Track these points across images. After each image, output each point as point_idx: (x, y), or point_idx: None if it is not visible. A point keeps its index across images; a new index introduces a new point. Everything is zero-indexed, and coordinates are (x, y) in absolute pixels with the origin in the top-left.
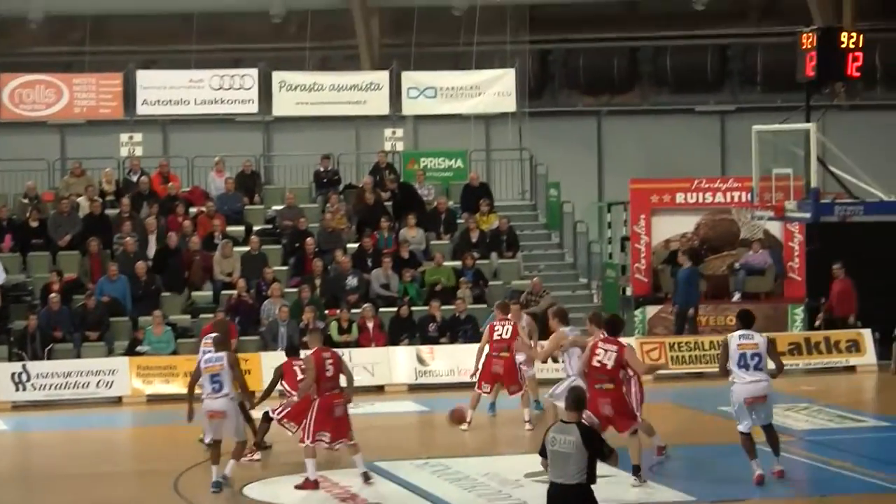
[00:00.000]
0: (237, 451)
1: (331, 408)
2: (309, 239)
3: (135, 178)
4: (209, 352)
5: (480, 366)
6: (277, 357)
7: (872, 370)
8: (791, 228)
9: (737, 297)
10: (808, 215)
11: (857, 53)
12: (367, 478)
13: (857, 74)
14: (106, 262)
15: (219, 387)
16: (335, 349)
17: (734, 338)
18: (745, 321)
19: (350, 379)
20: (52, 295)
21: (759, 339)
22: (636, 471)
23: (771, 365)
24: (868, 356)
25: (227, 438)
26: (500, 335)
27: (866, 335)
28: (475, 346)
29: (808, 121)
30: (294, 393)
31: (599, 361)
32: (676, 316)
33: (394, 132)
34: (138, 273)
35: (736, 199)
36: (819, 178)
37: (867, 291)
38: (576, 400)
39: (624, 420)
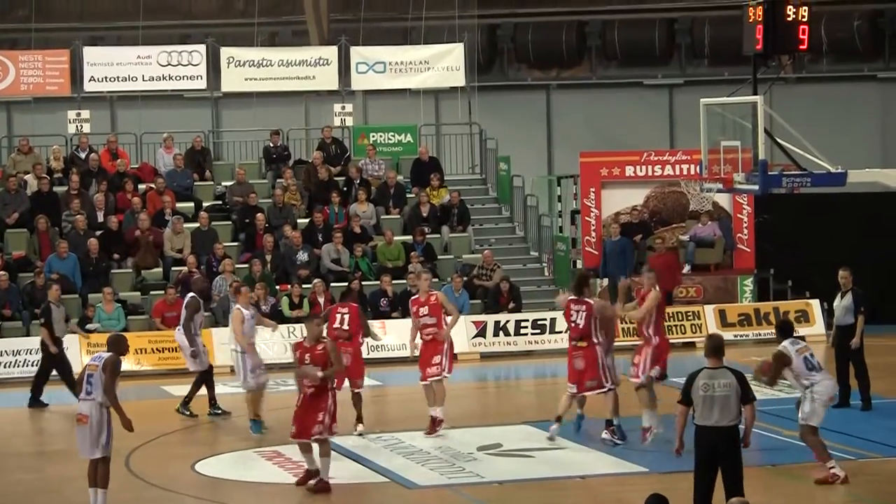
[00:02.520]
0: (101, 472)
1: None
2: (259, 214)
3: (83, 155)
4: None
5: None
6: (228, 332)
7: (821, 340)
8: (740, 200)
9: (687, 269)
10: (756, 187)
11: (803, 26)
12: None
13: (804, 47)
14: (55, 239)
15: (90, 388)
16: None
17: (790, 349)
18: (788, 331)
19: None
20: (1, 273)
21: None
22: (608, 424)
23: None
24: (817, 326)
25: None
26: (576, 321)
27: (815, 305)
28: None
29: (755, 93)
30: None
31: (573, 321)
32: (611, 288)
33: (343, 107)
34: (90, 250)
35: (685, 172)
36: (767, 150)
37: (817, 262)
38: (716, 347)
39: (591, 375)
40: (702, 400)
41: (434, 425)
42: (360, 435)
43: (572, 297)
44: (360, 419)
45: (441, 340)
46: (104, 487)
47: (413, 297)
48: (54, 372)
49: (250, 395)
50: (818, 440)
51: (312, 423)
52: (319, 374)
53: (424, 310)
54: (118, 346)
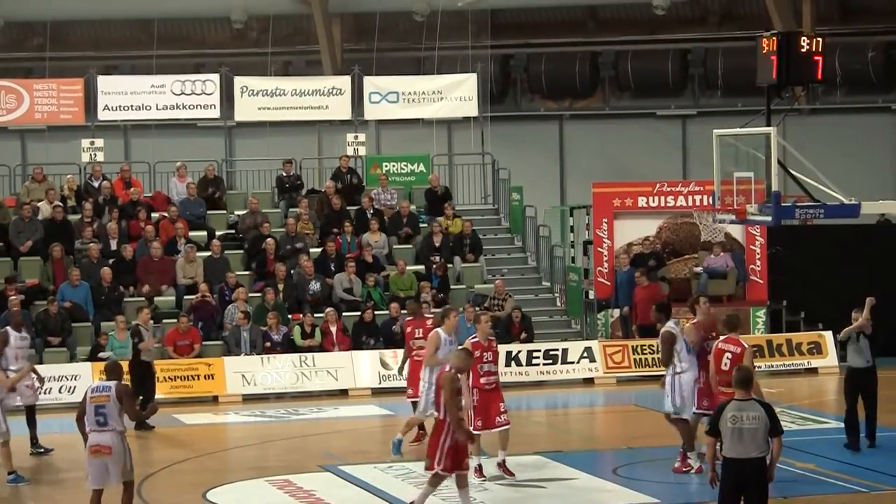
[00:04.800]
0: (125, 498)
1: None
2: (269, 240)
3: (96, 184)
4: None
5: None
6: (240, 361)
7: (834, 372)
8: (753, 232)
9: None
10: (769, 218)
11: (817, 57)
12: None
13: (819, 78)
14: (69, 267)
15: (103, 420)
16: None
17: (674, 328)
18: (668, 312)
19: None
20: (12, 298)
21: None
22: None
23: None
24: (830, 358)
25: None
26: (726, 366)
27: (828, 337)
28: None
29: (768, 125)
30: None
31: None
32: (622, 319)
33: (356, 137)
34: (103, 278)
35: (697, 203)
36: (780, 182)
37: (829, 294)
38: (744, 379)
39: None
40: (730, 432)
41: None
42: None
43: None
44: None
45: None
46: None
47: (474, 340)
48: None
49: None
50: (690, 429)
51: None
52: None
53: (488, 355)
54: (120, 373)
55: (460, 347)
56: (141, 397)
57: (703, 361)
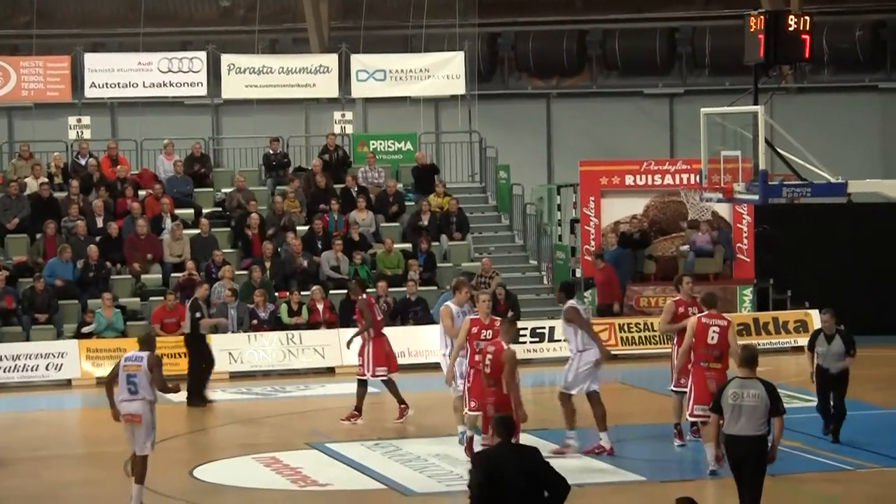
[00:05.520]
0: (138, 468)
1: None
2: (254, 215)
3: (83, 162)
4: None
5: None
6: (227, 339)
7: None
8: (740, 210)
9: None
10: (756, 197)
11: (805, 36)
12: None
13: (806, 57)
14: (59, 244)
15: (133, 388)
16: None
17: (579, 306)
18: (572, 291)
19: None
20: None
21: None
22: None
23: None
24: None
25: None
26: (713, 339)
27: (814, 315)
28: (426, 328)
29: (755, 103)
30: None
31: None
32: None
33: (343, 115)
34: (90, 256)
35: (685, 181)
36: (767, 161)
37: (816, 273)
38: (750, 357)
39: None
40: (730, 409)
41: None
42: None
43: (709, 312)
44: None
45: None
46: (141, 483)
47: (473, 318)
48: None
49: None
50: (572, 408)
51: None
52: None
53: (487, 333)
54: (153, 344)
55: (502, 320)
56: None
57: (679, 340)
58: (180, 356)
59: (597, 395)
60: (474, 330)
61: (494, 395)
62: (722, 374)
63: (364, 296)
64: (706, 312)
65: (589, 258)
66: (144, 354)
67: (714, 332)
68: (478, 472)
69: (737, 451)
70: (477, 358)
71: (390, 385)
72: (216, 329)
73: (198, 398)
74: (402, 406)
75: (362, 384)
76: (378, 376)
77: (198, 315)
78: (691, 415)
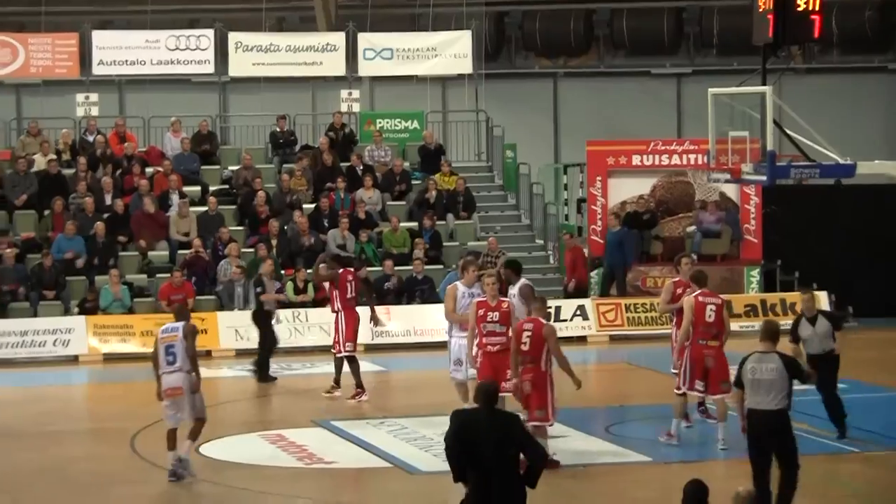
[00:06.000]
0: (195, 429)
1: None
2: (260, 193)
3: (91, 138)
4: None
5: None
6: (234, 316)
7: None
8: (748, 191)
9: (693, 259)
10: (764, 178)
11: (814, 16)
12: None
13: (816, 37)
14: (66, 221)
15: (172, 359)
16: None
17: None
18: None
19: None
20: (8, 251)
21: None
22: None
23: None
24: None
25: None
26: (711, 317)
27: (822, 297)
28: (431, 307)
29: (764, 84)
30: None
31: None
32: (603, 276)
33: (350, 93)
34: (97, 233)
35: (692, 162)
36: (775, 141)
37: (824, 254)
38: (769, 331)
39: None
40: (749, 383)
41: None
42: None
43: (702, 290)
44: None
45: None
46: (195, 439)
47: (479, 299)
48: None
49: None
50: None
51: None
52: None
53: (494, 315)
54: (187, 314)
55: (535, 297)
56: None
57: (678, 321)
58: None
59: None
60: (480, 312)
61: (532, 372)
62: (719, 351)
63: (341, 270)
64: (701, 291)
65: (596, 238)
66: (180, 324)
67: (711, 310)
68: (451, 427)
69: (756, 425)
70: (485, 341)
71: (353, 364)
72: (277, 305)
73: (266, 374)
74: (359, 389)
75: (349, 360)
76: (347, 352)
77: (258, 290)
78: (690, 389)
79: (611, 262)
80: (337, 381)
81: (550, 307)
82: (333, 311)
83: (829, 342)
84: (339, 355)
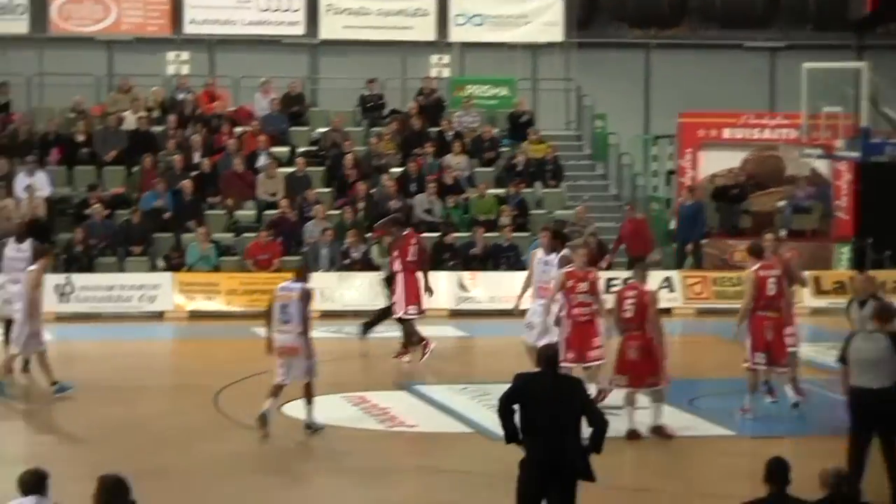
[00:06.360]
0: (308, 392)
1: None
2: (349, 155)
3: (181, 97)
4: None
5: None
6: (318, 277)
7: None
8: (840, 167)
9: (783, 234)
10: (857, 154)
11: None
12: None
13: None
14: (154, 178)
15: (286, 318)
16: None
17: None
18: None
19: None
20: (96, 206)
21: None
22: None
23: None
24: None
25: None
26: (772, 291)
27: None
28: (517, 274)
29: (859, 60)
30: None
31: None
32: (676, 251)
33: (440, 58)
34: (185, 191)
35: (784, 136)
36: (869, 118)
37: None
38: (880, 310)
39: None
40: (855, 362)
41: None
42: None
43: (763, 263)
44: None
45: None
46: (310, 403)
47: (569, 269)
48: None
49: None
50: None
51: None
52: None
53: (584, 286)
54: (306, 274)
55: (639, 263)
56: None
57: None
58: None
59: None
60: (570, 283)
61: (638, 339)
62: (780, 322)
63: (405, 233)
64: (761, 264)
65: None
66: (298, 285)
67: (772, 283)
68: (509, 388)
69: (859, 404)
70: (575, 311)
71: (408, 325)
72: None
73: (369, 330)
74: (404, 350)
75: (404, 321)
76: (409, 315)
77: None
78: (752, 363)
79: (684, 236)
80: (406, 345)
81: None
82: (394, 273)
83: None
84: (401, 316)
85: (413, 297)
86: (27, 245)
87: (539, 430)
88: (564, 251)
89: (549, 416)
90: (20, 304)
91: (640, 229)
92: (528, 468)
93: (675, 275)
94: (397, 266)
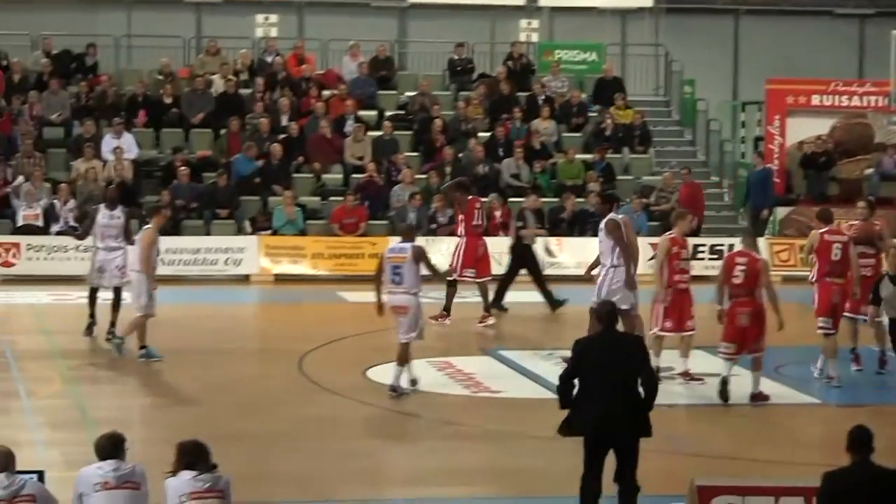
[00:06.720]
0: (401, 353)
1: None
2: (437, 120)
3: (269, 59)
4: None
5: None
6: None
7: None
8: None
9: (871, 200)
10: None
11: None
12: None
13: None
14: (243, 142)
15: (399, 280)
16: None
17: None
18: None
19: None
20: (182, 169)
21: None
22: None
23: None
24: None
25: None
26: (837, 256)
27: None
28: None
29: None
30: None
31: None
32: (750, 218)
33: (529, 23)
34: (273, 154)
35: (873, 104)
36: None
37: None
38: None
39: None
40: None
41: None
42: None
43: (830, 228)
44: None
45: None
46: (402, 366)
47: (672, 236)
48: None
49: (140, 319)
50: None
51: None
52: None
53: (686, 252)
54: (413, 235)
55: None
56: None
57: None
58: (359, 257)
59: (626, 315)
60: (675, 249)
61: (749, 305)
62: (847, 288)
63: (470, 197)
64: (827, 229)
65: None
66: (409, 245)
67: (837, 248)
68: (570, 360)
69: None
70: (676, 278)
71: (452, 288)
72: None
73: (498, 303)
74: (486, 314)
75: (451, 284)
76: (465, 278)
77: (519, 224)
78: (818, 328)
79: (755, 202)
80: (487, 308)
81: (723, 245)
82: (458, 235)
83: None
84: (455, 278)
85: (470, 261)
86: (119, 211)
87: (597, 386)
88: (610, 216)
89: (605, 373)
90: (117, 273)
91: (696, 194)
92: (588, 426)
93: (762, 242)
94: (461, 230)
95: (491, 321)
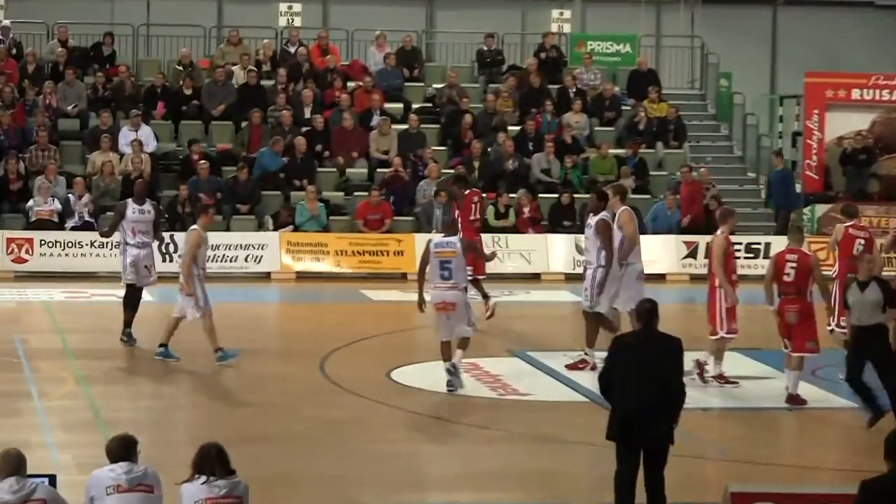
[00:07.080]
0: (463, 345)
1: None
2: (467, 116)
3: (293, 50)
4: None
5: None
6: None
7: None
8: None
9: None
10: None
11: None
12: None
13: None
14: (264, 134)
15: (448, 275)
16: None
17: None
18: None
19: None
20: (202, 162)
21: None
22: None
23: None
24: None
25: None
26: (858, 251)
27: None
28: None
29: None
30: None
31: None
32: (777, 219)
33: (561, 13)
34: (296, 147)
35: None
36: None
37: None
38: None
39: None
40: None
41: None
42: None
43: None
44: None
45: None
46: (465, 348)
47: (724, 234)
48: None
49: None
50: (596, 326)
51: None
52: None
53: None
54: (457, 229)
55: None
56: None
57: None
58: (384, 254)
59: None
60: (732, 248)
61: (799, 303)
62: None
63: (467, 192)
64: (852, 223)
65: (810, 174)
66: (456, 239)
67: (860, 243)
68: (606, 359)
69: None
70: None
71: (476, 284)
72: None
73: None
74: (486, 301)
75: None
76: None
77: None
78: (837, 326)
79: (776, 201)
80: (486, 295)
81: (760, 242)
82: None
83: (877, 315)
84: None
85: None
86: (148, 205)
87: (629, 383)
88: (602, 214)
89: (638, 371)
90: (145, 272)
91: (695, 193)
92: (620, 428)
93: (773, 240)
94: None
95: (493, 301)
